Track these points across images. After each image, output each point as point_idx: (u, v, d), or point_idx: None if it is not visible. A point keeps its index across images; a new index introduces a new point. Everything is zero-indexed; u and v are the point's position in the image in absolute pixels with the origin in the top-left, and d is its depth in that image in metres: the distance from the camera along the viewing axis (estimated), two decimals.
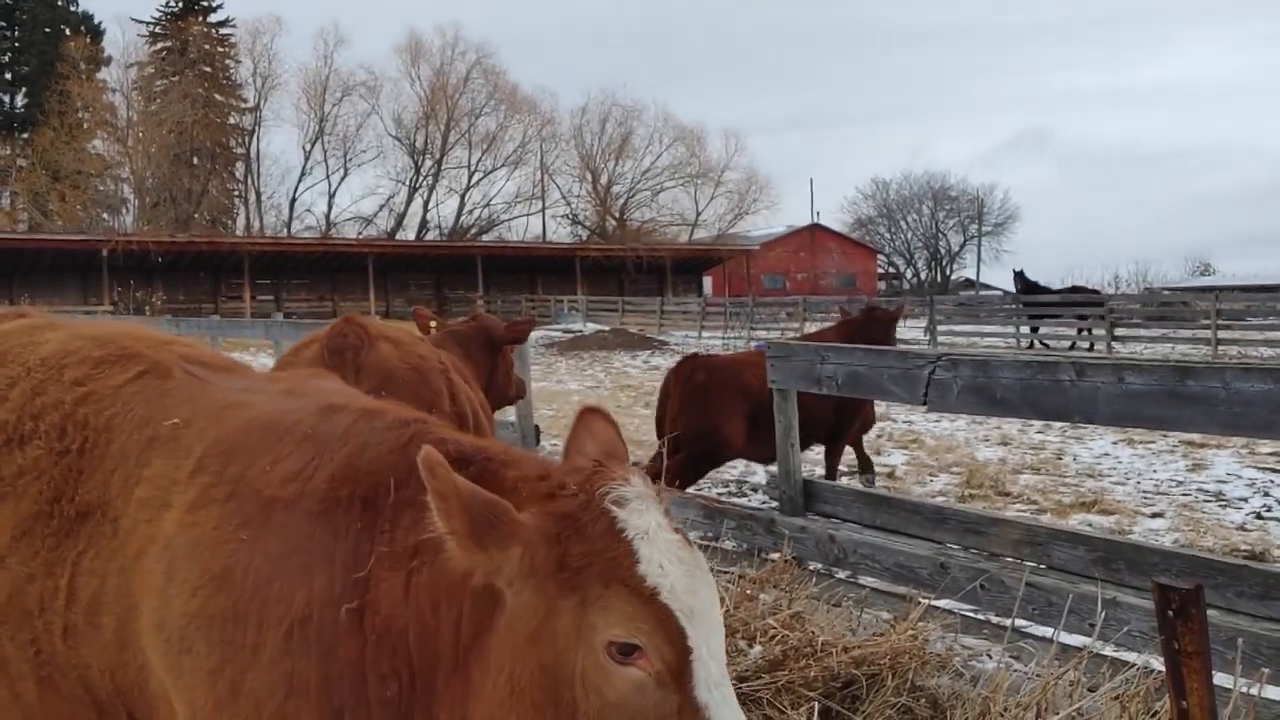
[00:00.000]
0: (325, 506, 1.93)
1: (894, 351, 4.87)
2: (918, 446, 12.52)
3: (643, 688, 1.67)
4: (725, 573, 5.10)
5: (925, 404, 4.71)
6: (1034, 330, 30.76)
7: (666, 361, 31.46)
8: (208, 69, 61.63)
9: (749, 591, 4.58)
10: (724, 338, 35.37)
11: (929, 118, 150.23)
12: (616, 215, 67.73)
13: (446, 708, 1.81)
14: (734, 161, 68.85)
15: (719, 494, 9.70)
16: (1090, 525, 8.27)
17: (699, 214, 69.02)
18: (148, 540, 2.04)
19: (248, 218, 63.57)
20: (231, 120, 63.68)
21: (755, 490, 10.07)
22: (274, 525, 1.93)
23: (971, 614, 4.79)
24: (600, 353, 33.55)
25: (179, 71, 59.38)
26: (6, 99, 60.28)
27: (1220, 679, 3.84)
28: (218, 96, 62.38)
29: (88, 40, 57.39)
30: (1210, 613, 3.96)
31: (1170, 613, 2.94)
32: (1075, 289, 33.88)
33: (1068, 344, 29.43)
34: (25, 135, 56.19)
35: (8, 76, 59.81)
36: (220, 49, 62.84)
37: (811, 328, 36.00)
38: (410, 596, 1.82)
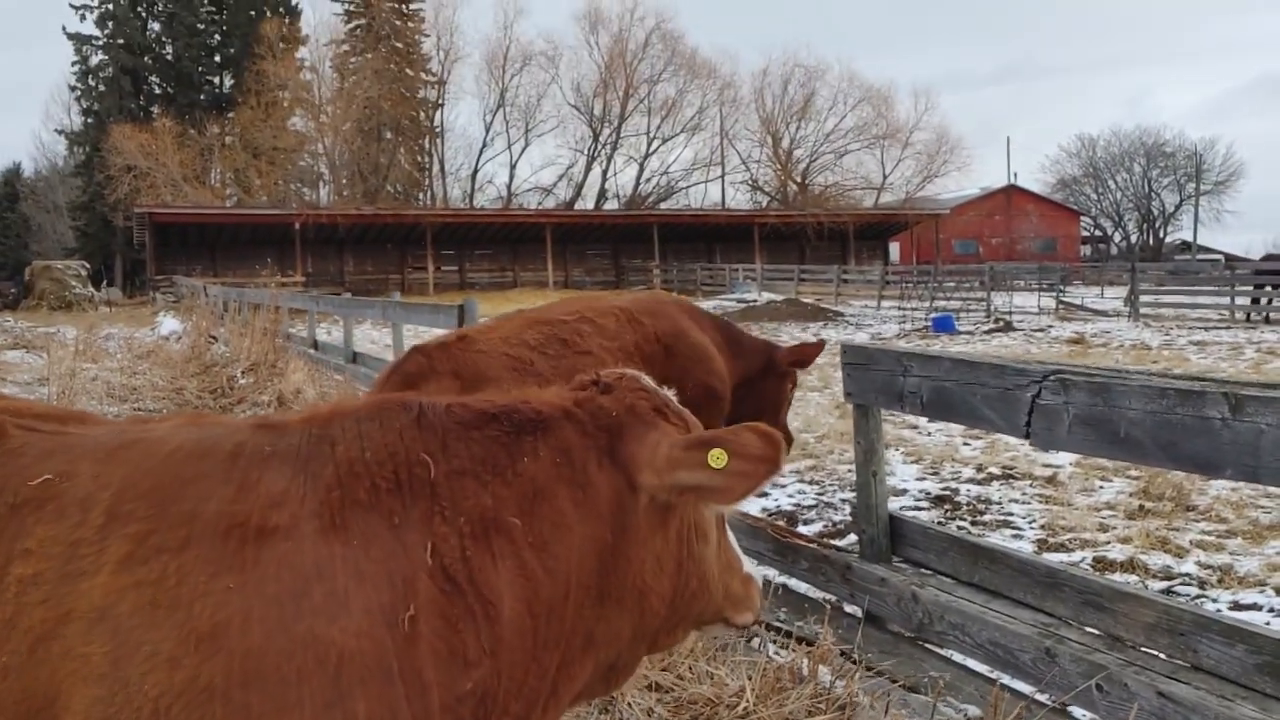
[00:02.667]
0: (341, 518, 1.67)
1: (988, 364, 3.72)
2: None
3: (715, 521, 2.04)
4: (763, 647, 4.13)
5: (1028, 437, 3.55)
6: (1254, 301, 27.60)
7: (837, 334, 29.94)
8: (398, 44, 63.19)
9: (783, 679, 3.57)
10: (901, 308, 33.45)
11: (1143, 67, 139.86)
12: (798, 180, 65.85)
13: (574, 636, 1.79)
14: (923, 121, 65.92)
15: (841, 500, 8.59)
16: None
17: (885, 177, 66.48)
18: (54, 622, 1.64)
19: (432, 190, 65.14)
20: (420, 94, 65.25)
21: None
22: (270, 561, 1.63)
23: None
24: (770, 324, 32.34)
25: (370, 48, 61.18)
26: (215, 80, 63.60)
27: None
28: (407, 71, 63.98)
29: (285, 21, 59.78)
30: None
31: None
32: (1271, 257, 30.39)
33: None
34: (231, 115, 59.16)
35: (216, 59, 63.01)
36: (409, 24, 64.30)
37: (1000, 299, 33.55)
38: (503, 561, 1.73)
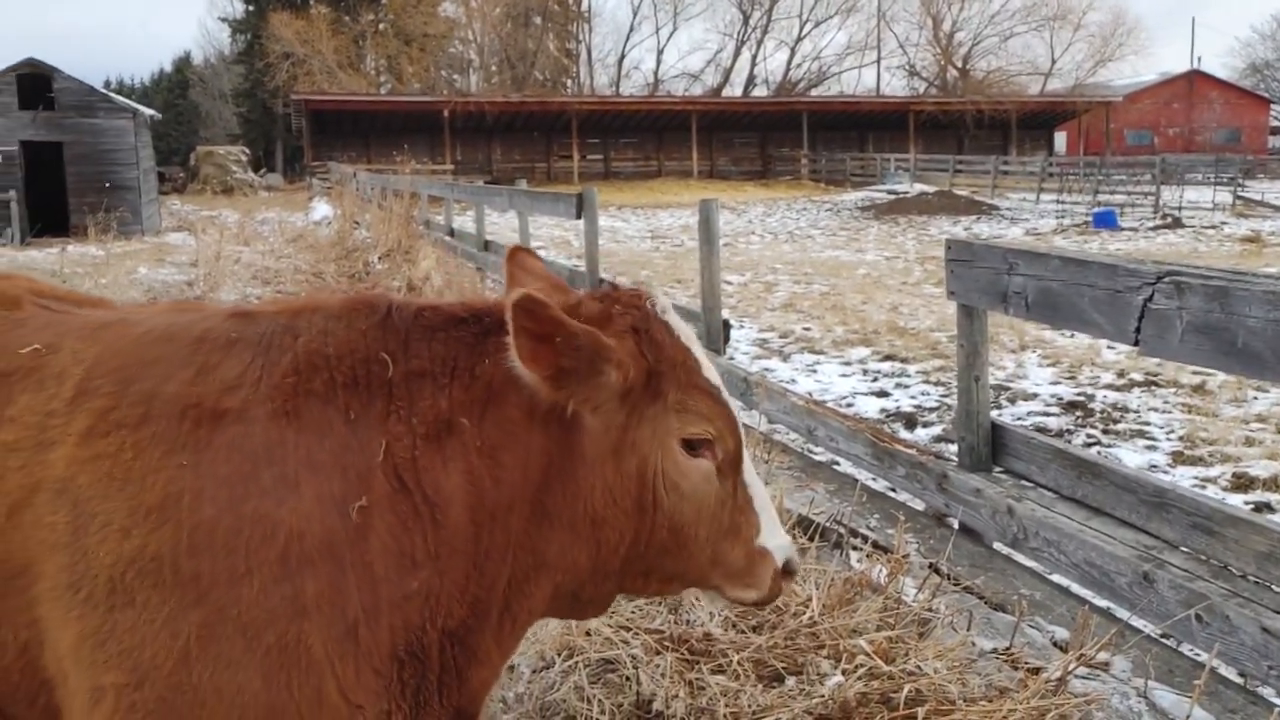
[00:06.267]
0: (294, 405, 1.68)
1: (1098, 263, 3.37)
2: None
3: (709, 476, 1.84)
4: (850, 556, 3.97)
5: (1137, 344, 3.23)
6: None
7: (990, 228, 28.62)
8: None
9: (858, 589, 3.42)
10: (1061, 202, 31.69)
11: None
12: (958, 65, 62.64)
13: (522, 551, 1.75)
14: (1097, 1, 61.33)
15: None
16: None
17: (1054, 62, 62.75)
18: (28, 490, 1.71)
19: (579, 77, 64.68)
20: None
21: (1017, 401, 8.48)
22: (223, 443, 1.64)
23: (1182, 650, 3.36)
24: (920, 217, 31.26)
25: None
26: None
27: None
28: None
29: None
30: None
31: None
32: None
33: None
34: (383, 1, 59.68)
35: None
36: None
37: (1170, 194, 31.13)
38: (452, 464, 1.70)
